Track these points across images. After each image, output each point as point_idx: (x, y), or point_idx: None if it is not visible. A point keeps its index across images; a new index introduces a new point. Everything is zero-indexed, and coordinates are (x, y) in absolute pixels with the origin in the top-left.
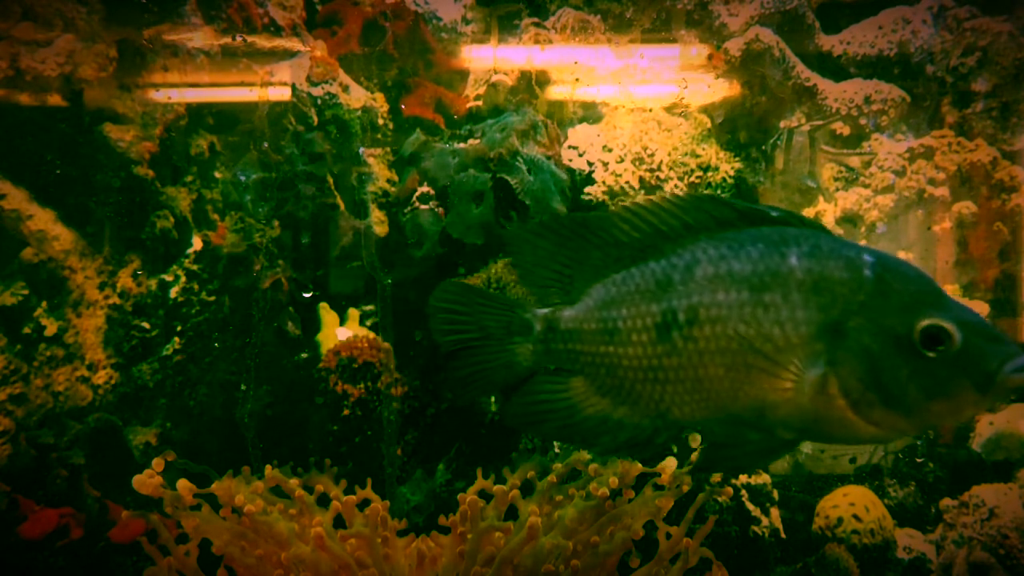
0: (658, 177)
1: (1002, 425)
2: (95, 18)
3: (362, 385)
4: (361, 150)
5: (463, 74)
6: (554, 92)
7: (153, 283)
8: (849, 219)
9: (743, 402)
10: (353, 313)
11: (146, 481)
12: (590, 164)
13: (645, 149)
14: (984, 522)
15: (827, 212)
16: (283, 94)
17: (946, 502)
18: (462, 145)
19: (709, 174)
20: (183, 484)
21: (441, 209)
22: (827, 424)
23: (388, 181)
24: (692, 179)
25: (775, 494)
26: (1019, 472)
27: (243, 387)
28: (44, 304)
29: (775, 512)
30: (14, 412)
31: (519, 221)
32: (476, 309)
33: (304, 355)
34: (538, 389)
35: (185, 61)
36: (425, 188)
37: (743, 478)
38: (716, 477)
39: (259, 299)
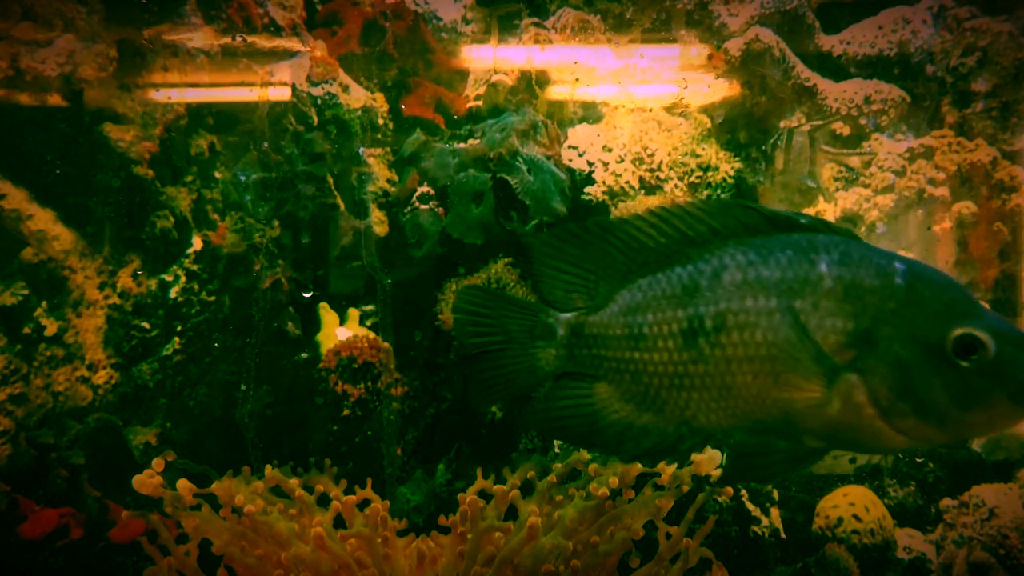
0: (658, 177)
1: None
2: (95, 18)
3: (362, 385)
4: (361, 150)
5: (463, 74)
6: (554, 92)
7: (153, 283)
8: (849, 219)
9: (770, 410)
10: (353, 313)
11: (146, 481)
12: (590, 164)
13: (645, 149)
14: (984, 522)
15: (827, 212)
16: (283, 94)
17: (946, 502)
18: (462, 145)
19: (709, 174)
20: (183, 484)
21: (441, 209)
22: (856, 433)
23: (388, 181)
24: (692, 179)
25: (775, 494)
26: (1019, 472)
27: (243, 387)
28: (44, 304)
29: (775, 512)
30: (14, 412)
31: (537, 226)
32: (499, 313)
33: (304, 355)
34: (561, 395)
35: (185, 61)
36: (425, 188)
37: None
38: (716, 477)
39: (259, 299)
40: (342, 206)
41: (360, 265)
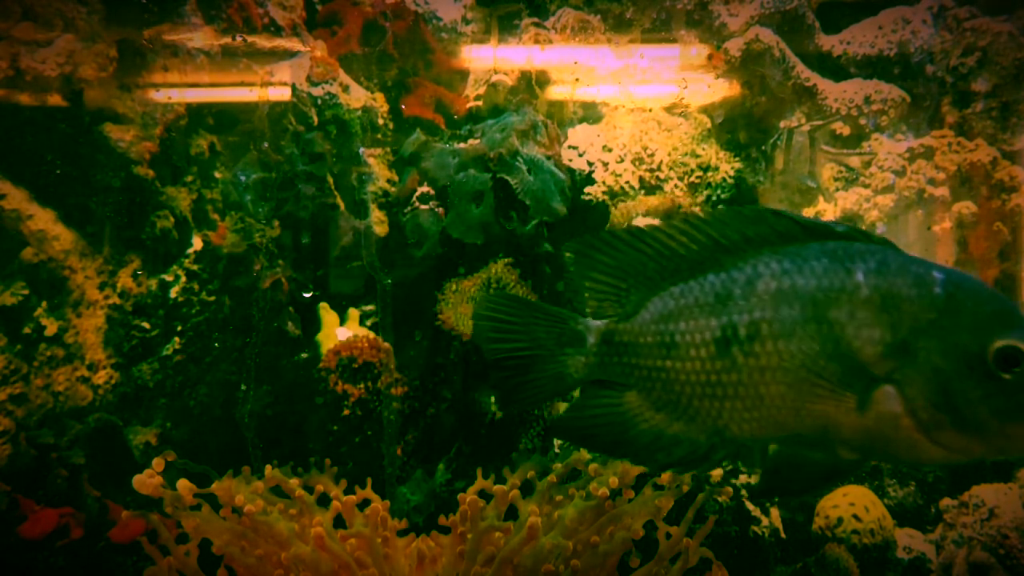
0: (658, 177)
1: None
2: (95, 18)
3: (362, 385)
4: (361, 150)
5: (463, 74)
6: (554, 92)
7: (153, 283)
8: (849, 219)
9: (805, 421)
10: (353, 313)
11: (146, 481)
12: (590, 164)
13: (645, 149)
14: (984, 522)
15: (827, 212)
16: (283, 94)
17: (946, 502)
18: (462, 145)
19: (709, 174)
20: (183, 484)
21: (441, 209)
22: (893, 445)
23: (388, 181)
24: (692, 179)
25: None
26: (1019, 472)
27: (243, 387)
28: (44, 304)
29: (775, 512)
30: (14, 412)
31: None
32: (527, 319)
33: (304, 355)
34: (591, 403)
35: (185, 61)
36: (425, 188)
37: (743, 478)
38: (716, 477)
39: (259, 299)
40: (342, 206)
41: (360, 265)
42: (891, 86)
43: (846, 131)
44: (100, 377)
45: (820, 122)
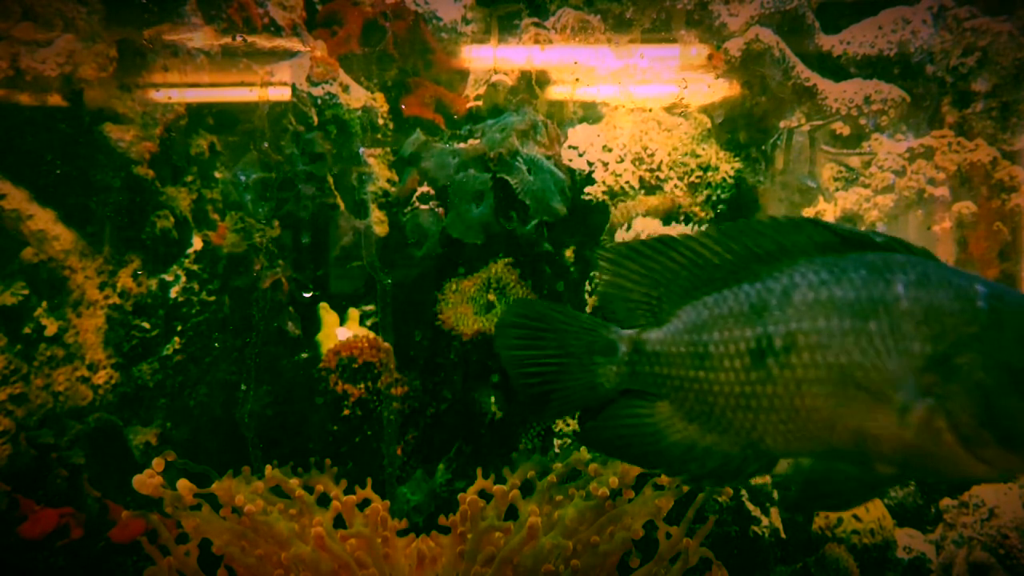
0: (658, 177)
1: None
2: (95, 18)
3: (362, 385)
4: (361, 150)
5: (463, 74)
6: (554, 92)
7: (153, 283)
8: (849, 219)
9: (842, 434)
10: (353, 313)
11: (146, 481)
12: (590, 164)
13: (645, 149)
14: (984, 522)
15: (827, 212)
16: (283, 94)
17: (946, 502)
18: (462, 145)
19: (709, 174)
20: (183, 484)
21: (441, 209)
22: (934, 460)
23: (388, 181)
24: (692, 179)
25: (775, 494)
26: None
27: (243, 387)
28: (44, 304)
29: (775, 512)
30: (14, 412)
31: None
32: (557, 326)
33: (304, 355)
34: (622, 413)
35: (185, 61)
36: (425, 188)
37: None
38: None
39: (259, 299)
40: (342, 206)
41: (360, 265)
42: (891, 86)
43: (846, 131)
44: (100, 377)
45: (820, 122)
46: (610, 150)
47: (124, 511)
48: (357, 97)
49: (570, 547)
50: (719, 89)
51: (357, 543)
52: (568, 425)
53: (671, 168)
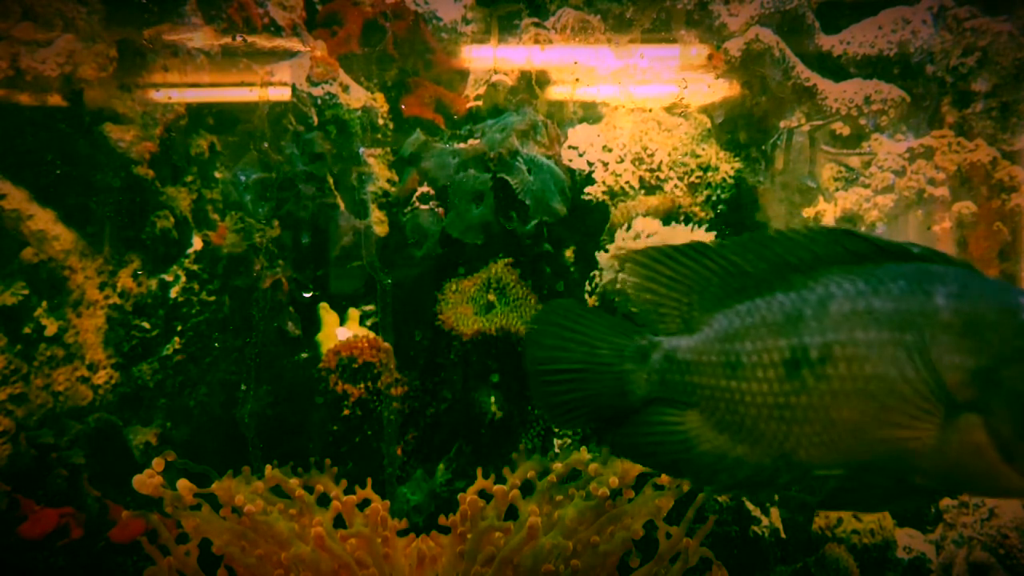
0: (658, 177)
1: None
2: (95, 18)
3: (362, 385)
4: (361, 150)
5: (463, 74)
6: (554, 92)
7: (153, 283)
8: (849, 219)
9: (878, 448)
10: (353, 313)
11: (146, 481)
12: (590, 164)
13: (645, 149)
14: (984, 522)
15: (827, 212)
16: (283, 94)
17: (946, 502)
18: (462, 145)
19: (709, 174)
20: (183, 484)
21: (441, 209)
22: (975, 476)
23: (388, 181)
24: (692, 179)
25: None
26: None
27: (243, 387)
28: (44, 304)
29: (775, 512)
30: (14, 412)
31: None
32: (589, 331)
33: (304, 355)
34: (650, 420)
35: (185, 61)
36: (425, 188)
37: None
38: None
39: (259, 299)
40: (342, 206)
41: (360, 265)
42: (891, 86)
43: (846, 131)
44: (100, 377)
45: (820, 122)
46: (610, 150)
47: (124, 511)
48: (357, 97)
49: (570, 547)
50: (719, 89)
51: (357, 543)
52: None
53: (671, 168)
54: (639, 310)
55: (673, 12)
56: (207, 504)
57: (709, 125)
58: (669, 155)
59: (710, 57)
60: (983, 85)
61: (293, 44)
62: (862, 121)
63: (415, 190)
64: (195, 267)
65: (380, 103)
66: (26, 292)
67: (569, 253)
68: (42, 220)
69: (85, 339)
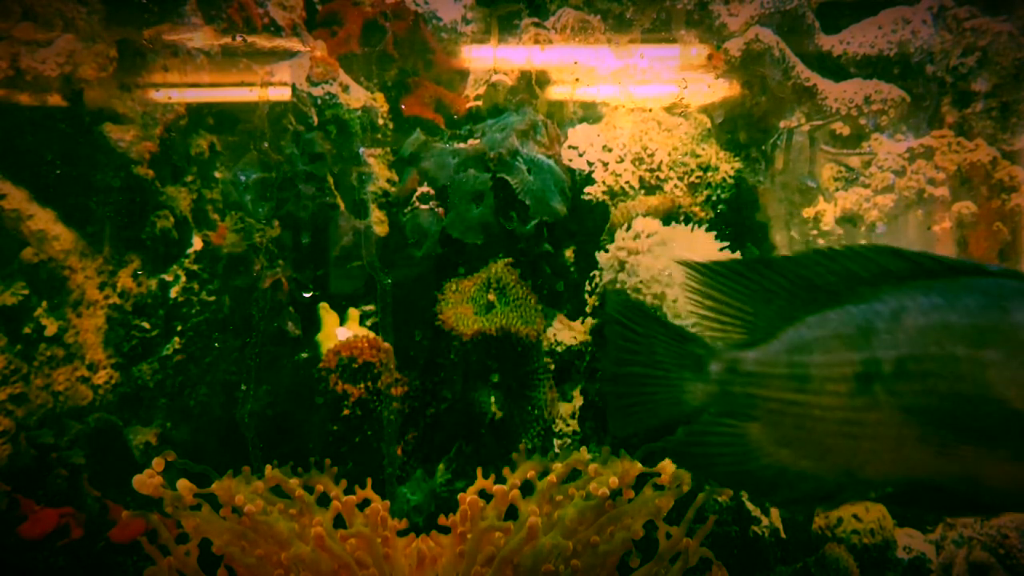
0: (658, 177)
1: None
2: (95, 18)
3: (362, 385)
4: (361, 150)
5: (463, 74)
6: (554, 92)
7: (153, 283)
8: (849, 219)
9: (948, 466)
10: (353, 313)
11: (146, 481)
12: (590, 164)
13: (645, 149)
14: (984, 522)
15: (827, 212)
16: (283, 94)
17: None
18: (462, 145)
19: (709, 174)
20: (183, 484)
21: (441, 209)
22: None
23: (388, 181)
24: (692, 179)
25: None
26: None
27: (243, 387)
28: (44, 304)
29: (775, 512)
30: (14, 412)
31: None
32: (648, 335)
33: (304, 355)
34: (710, 431)
35: (185, 61)
36: (425, 188)
37: None
38: None
39: (259, 299)
40: (342, 206)
41: (360, 265)
42: (891, 86)
43: (846, 131)
44: (100, 377)
45: (820, 122)
46: (610, 150)
47: (124, 511)
48: (357, 97)
49: (570, 547)
50: (719, 89)
51: (357, 543)
52: (568, 425)
53: (671, 168)
54: (695, 319)
55: (673, 12)
56: (207, 504)
57: (709, 125)
58: (669, 155)
59: (710, 57)
60: (983, 85)
61: (293, 44)
62: (862, 121)
63: (415, 190)
64: (195, 267)
65: (380, 103)
66: (26, 292)
67: (569, 253)
68: (42, 220)
69: (85, 339)
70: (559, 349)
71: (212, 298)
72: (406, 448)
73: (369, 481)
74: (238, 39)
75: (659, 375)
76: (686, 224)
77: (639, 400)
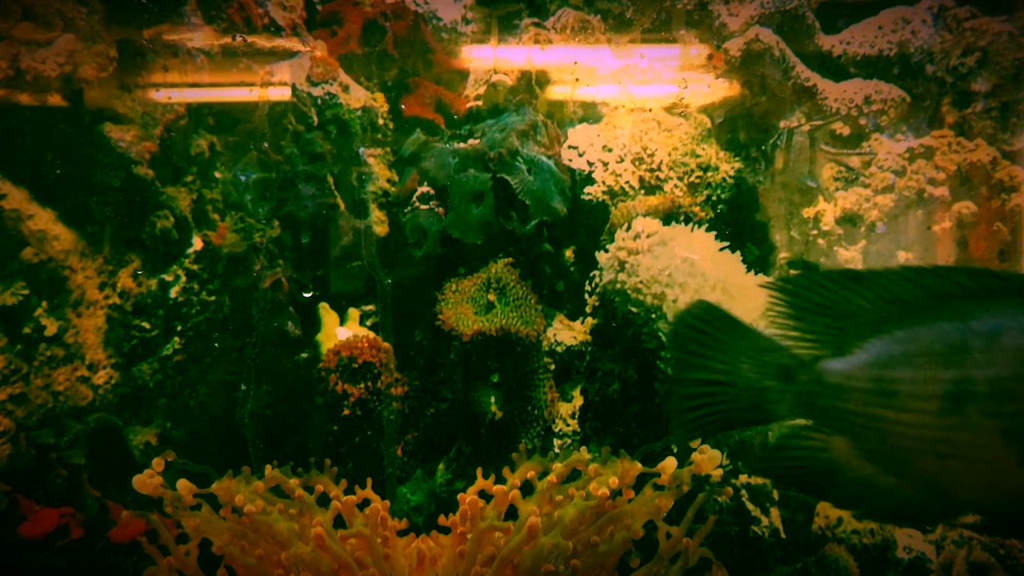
0: (658, 177)
1: None
2: (95, 18)
3: (362, 385)
4: (361, 150)
5: (463, 74)
6: (554, 92)
7: (153, 283)
8: (849, 219)
9: None
10: (353, 313)
11: (146, 481)
12: (590, 164)
13: (645, 149)
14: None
15: (827, 212)
16: (283, 94)
17: None
18: (462, 145)
19: (709, 174)
20: (183, 484)
21: (441, 209)
22: None
23: (388, 181)
24: (692, 179)
25: (775, 494)
26: None
27: (243, 387)
28: (44, 304)
29: (775, 512)
30: (14, 412)
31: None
32: (729, 340)
33: (304, 355)
34: (794, 443)
35: (185, 61)
36: (425, 188)
37: (743, 478)
38: (716, 477)
39: (259, 299)
40: (342, 206)
41: (360, 265)
42: (891, 86)
43: (846, 131)
44: (100, 377)
45: (820, 122)
46: (610, 150)
47: (124, 511)
48: (357, 97)
49: (570, 547)
50: (719, 89)
51: (357, 543)
52: (568, 425)
53: (671, 168)
54: (780, 329)
55: (673, 12)
56: (207, 504)
57: (709, 125)
58: (669, 155)
59: (710, 57)
60: (983, 85)
61: (293, 44)
62: (862, 121)
63: (415, 190)
64: (195, 267)
65: (380, 103)
66: (26, 292)
67: (569, 253)
68: (42, 220)
69: (85, 339)
70: (559, 349)
71: (212, 298)
72: (406, 448)
73: (369, 481)
74: (238, 39)
75: (740, 383)
76: (686, 224)
77: (714, 407)
